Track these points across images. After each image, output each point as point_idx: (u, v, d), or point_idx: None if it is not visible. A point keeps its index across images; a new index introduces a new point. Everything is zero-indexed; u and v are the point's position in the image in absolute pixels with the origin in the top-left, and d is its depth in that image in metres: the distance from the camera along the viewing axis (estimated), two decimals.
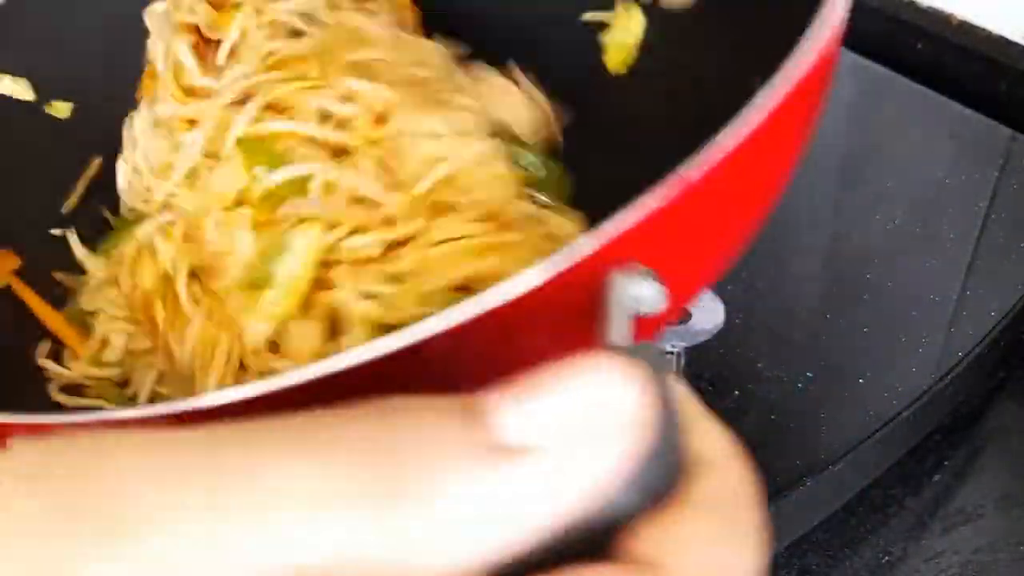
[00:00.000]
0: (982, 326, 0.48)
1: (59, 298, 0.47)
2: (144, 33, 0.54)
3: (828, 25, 0.27)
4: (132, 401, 0.43)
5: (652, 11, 0.48)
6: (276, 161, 0.41)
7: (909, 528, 0.45)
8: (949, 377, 0.47)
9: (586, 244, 0.23)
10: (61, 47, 0.54)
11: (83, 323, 0.45)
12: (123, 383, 0.44)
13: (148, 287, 0.42)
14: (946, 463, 0.46)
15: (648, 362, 0.17)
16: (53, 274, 0.47)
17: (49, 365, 0.44)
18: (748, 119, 0.24)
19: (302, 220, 0.40)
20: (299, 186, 0.41)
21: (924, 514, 0.45)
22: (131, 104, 0.54)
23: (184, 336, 0.40)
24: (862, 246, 0.54)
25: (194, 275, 0.42)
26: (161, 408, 0.23)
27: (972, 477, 0.46)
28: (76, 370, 0.43)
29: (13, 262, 0.45)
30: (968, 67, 0.63)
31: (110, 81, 0.54)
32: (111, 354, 0.44)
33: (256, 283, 0.39)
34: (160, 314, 0.41)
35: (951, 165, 0.57)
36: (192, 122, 0.45)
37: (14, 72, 0.52)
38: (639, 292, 0.22)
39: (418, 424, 0.15)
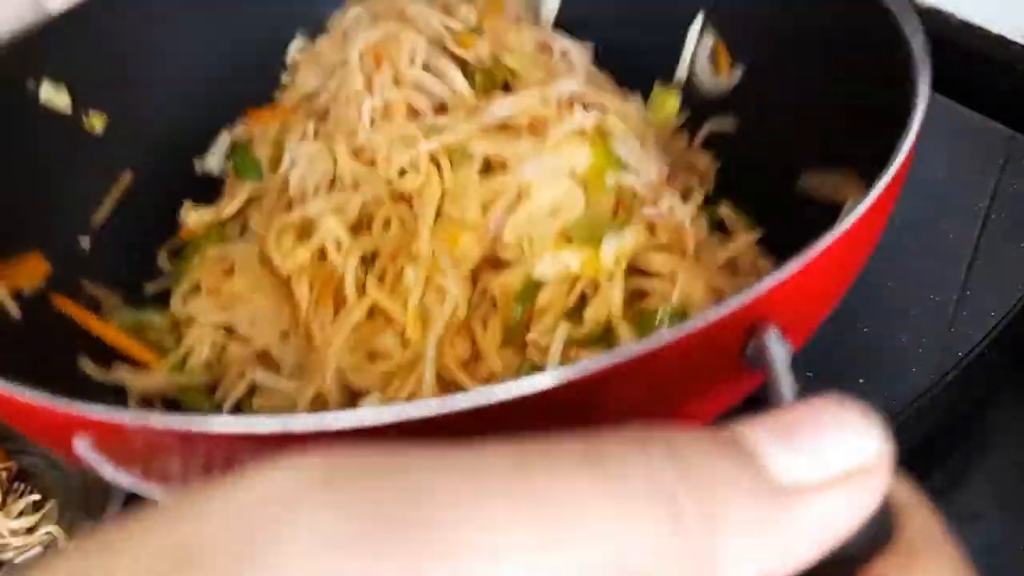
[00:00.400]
0: (982, 326, 0.47)
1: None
2: (178, 57, 0.57)
3: (914, 131, 0.35)
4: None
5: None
6: None
7: None
8: (949, 378, 0.47)
9: (735, 301, 0.27)
10: (102, 62, 0.57)
11: (137, 334, 0.46)
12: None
13: (292, 268, 0.43)
14: (947, 464, 0.46)
15: None
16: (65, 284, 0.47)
17: (126, 376, 0.44)
18: (864, 206, 0.31)
19: None
20: None
21: None
22: (163, 124, 0.57)
23: (335, 322, 0.40)
24: None
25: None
26: (344, 418, 0.23)
27: (972, 478, 0.45)
28: (157, 380, 0.43)
29: (43, 267, 0.47)
30: (968, 67, 0.63)
31: (145, 100, 0.56)
32: (196, 361, 0.44)
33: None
34: (304, 297, 0.42)
35: (951, 165, 0.57)
36: None
37: (55, 79, 0.54)
38: (780, 346, 0.27)
39: (695, 458, 0.15)
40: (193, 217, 0.51)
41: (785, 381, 0.25)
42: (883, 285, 0.51)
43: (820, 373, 0.48)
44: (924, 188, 0.55)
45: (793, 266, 0.29)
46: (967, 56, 0.63)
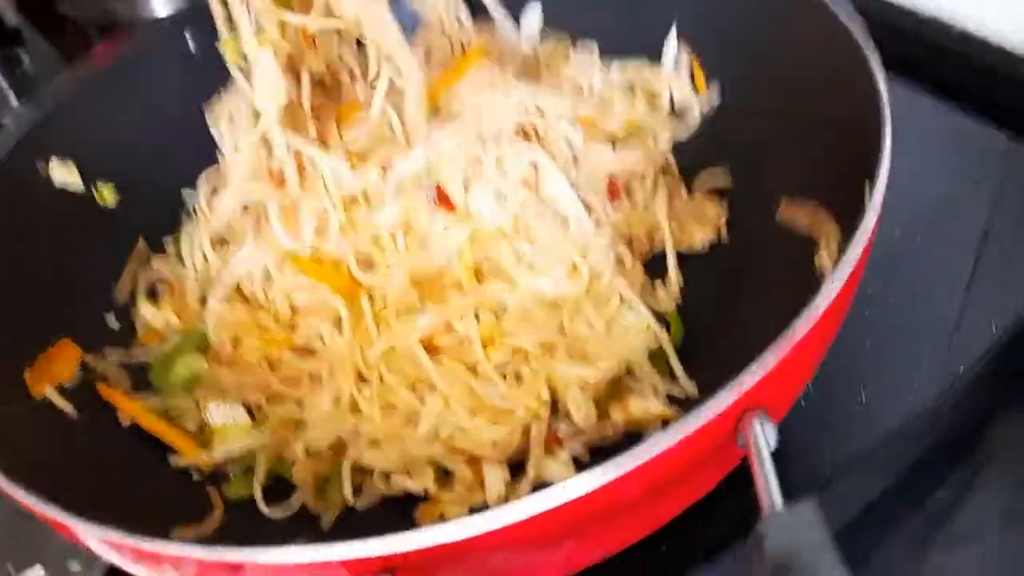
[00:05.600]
0: (983, 341, 0.48)
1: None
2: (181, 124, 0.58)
3: (872, 221, 0.36)
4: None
5: None
6: None
7: (912, 546, 0.46)
8: (950, 393, 0.47)
9: (725, 398, 0.31)
10: (107, 138, 0.58)
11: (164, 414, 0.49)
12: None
13: None
14: (948, 480, 0.47)
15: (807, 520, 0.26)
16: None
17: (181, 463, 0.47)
18: (830, 289, 0.34)
19: None
20: None
21: (927, 532, 0.46)
22: (171, 192, 0.58)
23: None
24: None
25: None
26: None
27: (974, 494, 0.46)
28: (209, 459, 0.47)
29: (77, 354, 0.48)
30: (968, 76, 0.63)
31: (154, 169, 0.57)
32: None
33: None
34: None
35: (950, 176, 0.57)
36: None
37: (62, 158, 0.56)
38: (765, 435, 0.31)
39: None
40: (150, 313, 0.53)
41: (770, 480, 0.30)
42: (884, 301, 0.51)
43: (822, 390, 0.48)
44: (925, 200, 0.54)
45: (775, 355, 0.32)
46: (967, 65, 0.63)
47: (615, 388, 0.46)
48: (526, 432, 0.44)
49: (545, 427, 0.44)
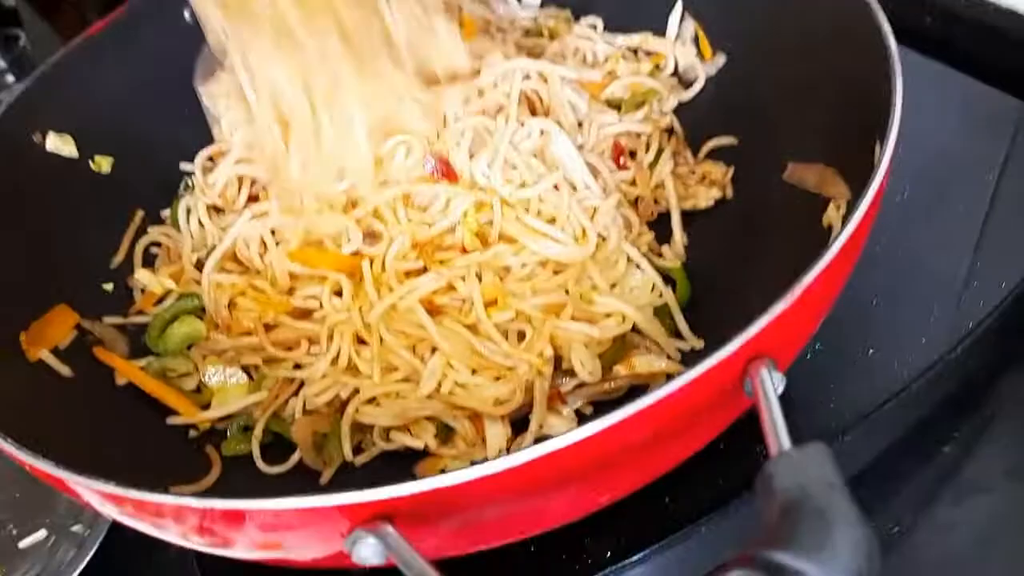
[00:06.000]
0: (992, 297, 0.48)
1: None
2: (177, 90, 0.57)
3: (880, 178, 0.36)
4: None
5: None
6: None
7: (919, 499, 0.46)
8: (959, 349, 0.47)
9: (734, 343, 0.31)
10: (101, 106, 0.58)
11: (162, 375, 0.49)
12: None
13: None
14: (956, 435, 0.47)
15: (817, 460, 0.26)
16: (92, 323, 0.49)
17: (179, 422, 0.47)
18: (836, 241, 0.34)
19: None
20: None
21: (934, 485, 0.46)
22: (169, 158, 0.58)
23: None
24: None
25: None
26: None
27: (982, 449, 0.46)
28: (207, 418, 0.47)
29: (72, 318, 0.49)
30: (978, 40, 0.62)
31: (148, 137, 0.57)
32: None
33: None
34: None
35: (961, 137, 0.57)
36: None
37: (58, 129, 0.56)
38: (772, 379, 0.30)
39: None
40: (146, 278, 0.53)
41: (778, 423, 0.30)
42: (893, 257, 0.50)
43: (831, 345, 0.48)
44: (934, 161, 0.54)
45: (782, 304, 0.31)
46: (977, 29, 0.62)
47: (621, 345, 0.46)
48: (529, 389, 0.44)
49: (548, 384, 0.44)
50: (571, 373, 0.45)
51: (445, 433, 0.44)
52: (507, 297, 0.47)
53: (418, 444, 0.43)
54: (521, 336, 0.46)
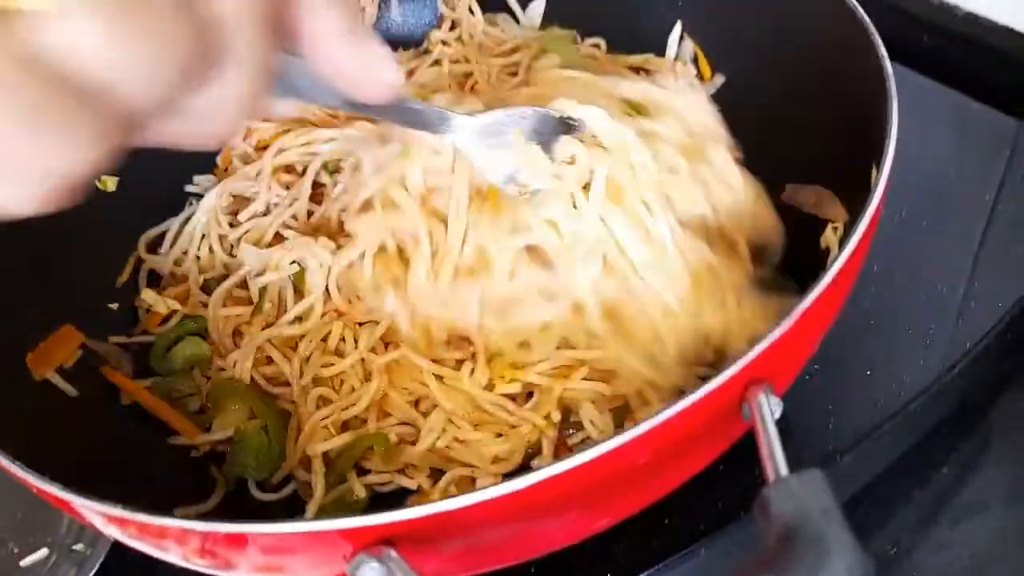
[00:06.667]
0: (990, 317, 0.48)
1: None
2: None
3: (877, 200, 0.36)
4: None
5: None
6: None
7: (917, 520, 0.46)
8: (957, 368, 0.48)
9: (732, 368, 0.31)
10: None
11: (167, 395, 0.49)
12: None
13: None
14: (954, 455, 0.47)
15: (813, 487, 0.26)
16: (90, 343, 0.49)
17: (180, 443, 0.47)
18: (833, 266, 0.33)
19: None
20: None
21: (932, 506, 0.46)
22: (171, 177, 0.58)
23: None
24: None
25: None
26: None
27: (980, 469, 0.46)
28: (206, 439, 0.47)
29: (77, 338, 0.48)
30: (974, 58, 0.63)
31: (153, 155, 0.56)
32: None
33: None
34: None
35: (958, 156, 0.57)
36: None
37: None
38: (769, 404, 0.31)
39: None
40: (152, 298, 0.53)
41: (775, 449, 0.30)
42: (891, 277, 0.51)
43: (828, 366, 0.48)
44: (931, 180, 0.54)
45: (779, 329, 0.32)
46: (973, 47, 0.63)
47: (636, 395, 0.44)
48: (530, 446, 0.44)
49: (554, 443, 0.43)
50: (579, 425, 0.44)
51: (439, 475, 0.44)
52: (513, 372, 0.44)
53: (412, 485, 0.43)
54: (529, 395, 0.45)
